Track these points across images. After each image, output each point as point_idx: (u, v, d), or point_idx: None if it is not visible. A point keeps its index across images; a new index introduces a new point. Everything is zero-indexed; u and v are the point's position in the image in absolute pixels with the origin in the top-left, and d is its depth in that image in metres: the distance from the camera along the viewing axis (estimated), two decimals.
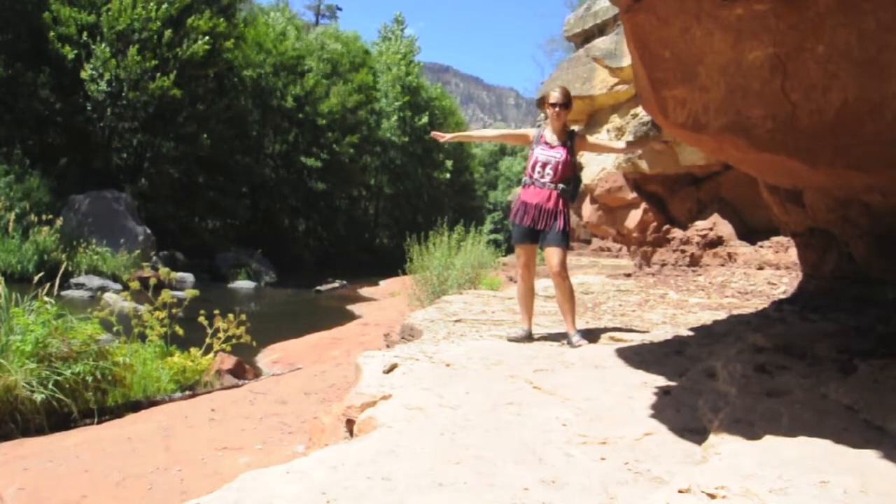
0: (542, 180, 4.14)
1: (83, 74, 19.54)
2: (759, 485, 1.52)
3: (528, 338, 4.19)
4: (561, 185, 4.13)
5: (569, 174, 4.16)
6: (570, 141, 4.19)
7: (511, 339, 4.16)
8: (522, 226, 4.18)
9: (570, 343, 4.01)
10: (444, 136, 4.47)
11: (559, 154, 4.15)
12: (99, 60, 19.61)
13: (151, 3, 20.56)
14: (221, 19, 22.82)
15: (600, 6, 10.59)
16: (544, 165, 4.15)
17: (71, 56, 19.47)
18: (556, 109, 4.16)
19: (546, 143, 4.21)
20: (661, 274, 8.98)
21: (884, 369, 2.45)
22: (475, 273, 9.69)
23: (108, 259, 16.35)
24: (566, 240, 4.13)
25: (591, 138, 4.28)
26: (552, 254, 4.08)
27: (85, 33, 19.91)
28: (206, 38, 21.46)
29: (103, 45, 19.80)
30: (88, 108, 20.25)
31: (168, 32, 20.60)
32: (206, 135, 22.75)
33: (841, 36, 1.95)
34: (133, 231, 18.27)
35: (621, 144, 4.19)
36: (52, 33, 19.27)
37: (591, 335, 4.32)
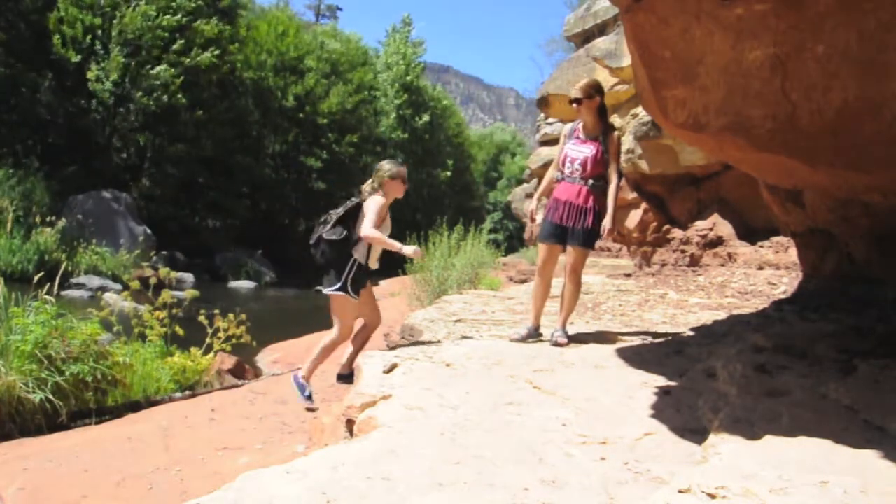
0: (573, 176, 4.07)
1: (90, 75, 19.49)
2: (759, 485, 1.52)
3: (535, 334, 4.16)
4: (591, 181, 4.04)
5: (600, 170, 4.05)
6: (603, 136, 4.08)
7: (514, 340, 4.13)
8: (551, 222, 4.11)
9: (553, 336, 4.03)
10: (534, 220, 4.50)
11: (589, 149, 4.05)
12: (112, 63, 19.57)
13: (166, 14, 20.63)
14: (227, 26, 22.83)
15: (600, 6, 10.60)
16: (573, 161, 4.08)
17: (75, 59, 19.43)
18: (575, 106, 4.08)
19: (578, 138, 4.14)
20: (661, 274, 8.98)
21: (884, 369, 2.45)
22: (475, 273, 9.69)
23: (107, 259, 16.35)
24: (591, 240, 4.07)
25: (616, 147, 4.21)
26: (571, 253, 4.06)
27: (89, 36, 19.86)
28: (213, 48, 21.52)
29: (116, 49, 19.76)
30: (92, 108, 20.19)
31: (180, 43, 20.65)
32: (207, 136, 22.75)
33: (841, 36, 1.95)
34: (133, 231, 18.27)
35: (614, 181, 4.17)
36: (56, 36, 19.21)
37: (591, 335, 4.32)
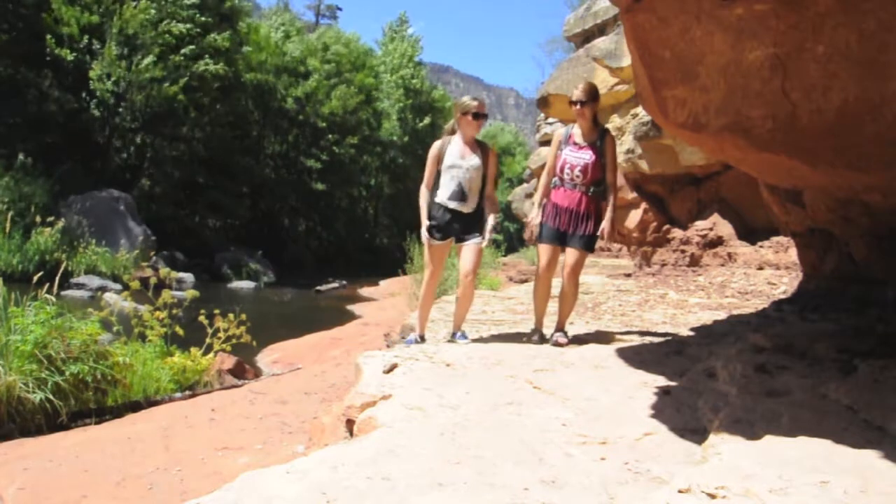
0: (573, 182, 4.03)
1: (92, 74, 19.43)
2: (759, 485, 1.52)
3: (542, 340, 4.14)
4: (592, 188, 4.02)
5: (599, 175, 4.03)
6: (600, 141, 4.05)
7: (530, 342, 4.12)
8: (551, 227, 4.09)
9: (552, 337, 4.04)
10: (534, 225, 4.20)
11: (588, 155, 4.02)
12: (105, 59, 19.52)
13: (178, 22, 20.63)
14: (229, 32, 22.84)
15: (600, 6, 10.61)
16: (573, 167, 4.03)
17: (70, 58, 19.37)
18: (578, 108, 4.01)
19: (574, 144, 4.08)
20: (661, 274, 8.98)
21: (884, 369, 2.45)
22: None
23: (107, 259, 16.34)
24: (591, 244, 4.07)
25: (617, 151, 4.16)
26: (571, 254, 4.04)
27: (86, 36, 19.80)
28: (223, 60, 21.55)
29: (112, 46, 19.70)
30: (92, 107, 20.15)
31: (190, 48, 20.68)
32: (207, 136, 22.75)
33: (841, 36, 1.95)
34: (133, 231, 18.26)
35: (615, 187, 4.14)
36: (49, 36, 19.13)
37: (591, 335, 4.32)
